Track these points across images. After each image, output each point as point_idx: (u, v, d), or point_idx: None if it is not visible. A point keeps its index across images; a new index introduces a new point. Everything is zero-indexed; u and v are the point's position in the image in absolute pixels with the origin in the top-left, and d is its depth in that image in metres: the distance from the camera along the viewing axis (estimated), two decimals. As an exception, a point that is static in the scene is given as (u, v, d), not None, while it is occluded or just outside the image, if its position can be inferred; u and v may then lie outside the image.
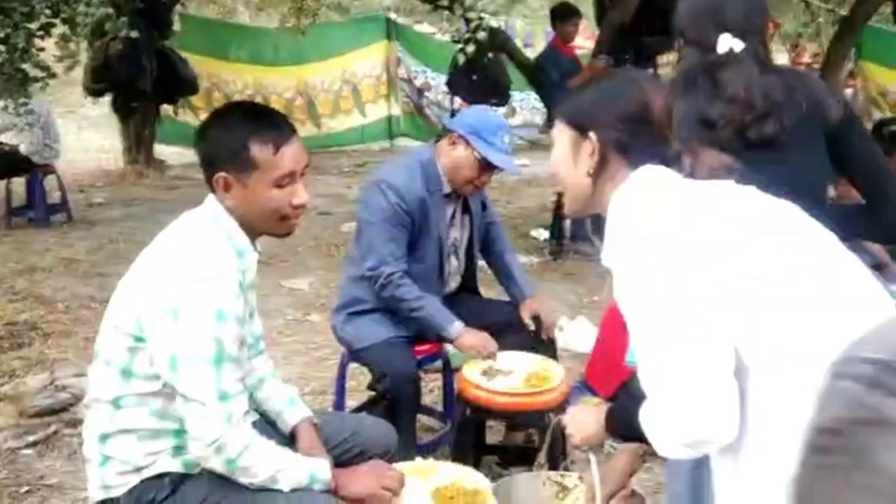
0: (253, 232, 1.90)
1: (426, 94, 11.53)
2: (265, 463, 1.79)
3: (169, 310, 1.72)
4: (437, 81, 11.35)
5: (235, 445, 1.75)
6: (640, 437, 1.57)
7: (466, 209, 2.98)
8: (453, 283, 3.02)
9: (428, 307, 2.77)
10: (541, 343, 2.98)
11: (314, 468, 1.87)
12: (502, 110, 10.79)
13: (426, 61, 11.61)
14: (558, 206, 6.21)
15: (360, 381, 3.61)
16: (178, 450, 1.84)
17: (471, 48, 5.17)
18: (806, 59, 18.41)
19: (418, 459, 2.19)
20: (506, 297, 3.15)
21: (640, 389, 1.50)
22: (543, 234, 6.51)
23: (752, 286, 1.35)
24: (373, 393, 3.02)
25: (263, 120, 1.86)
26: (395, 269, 2.75)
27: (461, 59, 5.55)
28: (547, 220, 6.54)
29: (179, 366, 1.73)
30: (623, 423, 1.65)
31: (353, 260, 2.91)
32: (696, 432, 1.36)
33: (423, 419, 3.23)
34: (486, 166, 2.78)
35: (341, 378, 3.09)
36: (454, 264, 3.00)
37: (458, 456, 2.73)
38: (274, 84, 10.56)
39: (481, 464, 2.90)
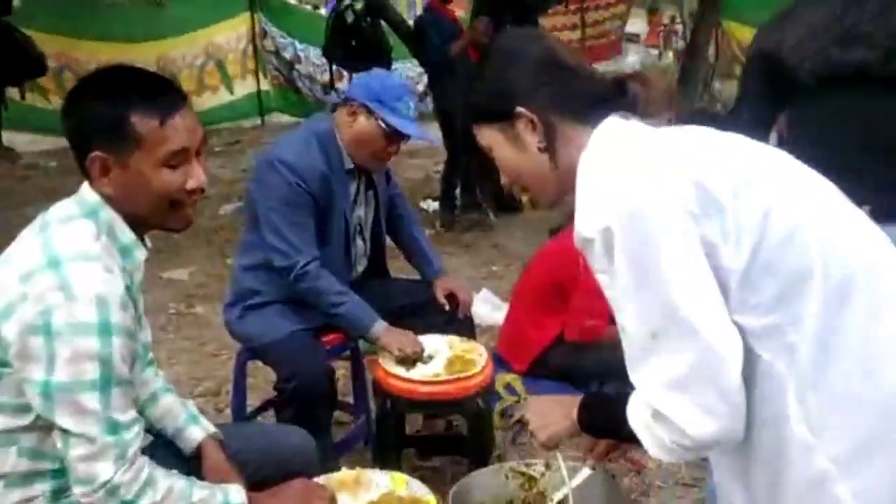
0: (140, 225, 1.58)
1: (296, 66, 11.04)
2: (169, 500, 1.50)
3: (38, 326, 1.39)
4: (307, 53, 10.89)
5: (132, 485, 1.45)
6: (620, 435, 1.38)
7: (370, 185, 2.71)
8: (360, 267, 2.76)
9: (350, 303, 2.49)
10: (457, 322, 2.76)
11: (228, 497, 1.59)
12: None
13: (294, 32, 11.09)
14: (447, 175, 6.01)
15: (257, 378, 3.31)
16: (58, 494, 1.51)
17: (360, 5, 4.85)
18: (665, 20, 18.94)
19: (343, 469, 1.94)
20: (416, 276, 2.91)
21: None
22: (433, 206, 6.30)
23: (747, 243, 1.16)
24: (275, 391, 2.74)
25: (146, 85, 1.53)
26: (309, 258, 2.46)
27: (350, 17, 5.21)
28: (434, 191, 6.33)
29: (55, 394, 1.41)
30: (602, 420, 1.45)
31: (247, 248, 2.59)
32: (700, 435, 1.16)
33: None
34: (393, 136, 2.51)
35: (240, 378, 2.78)
36: (360, 246, 2.73)
37: (380, 454, 2.50)
38: (131, 61, 9.47)
39: (401, 457, 2.68)
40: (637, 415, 1.26)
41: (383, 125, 2.48)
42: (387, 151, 2.55)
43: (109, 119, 1.48)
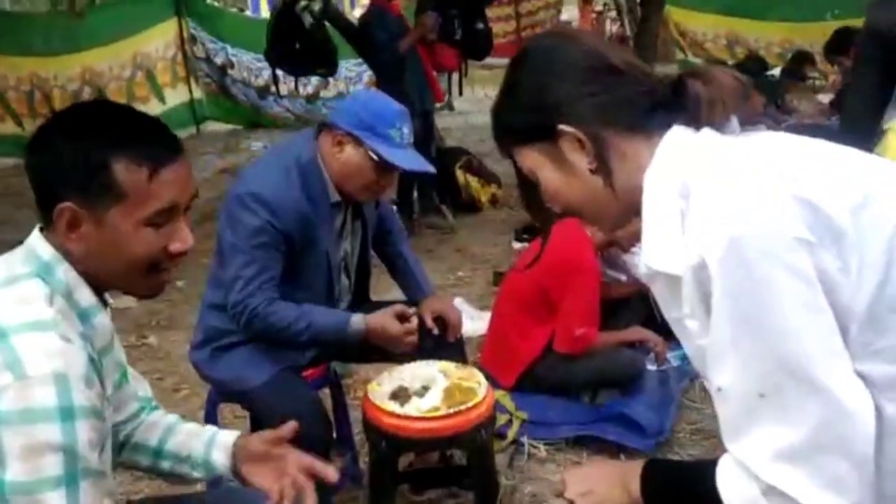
0: (102, 285, 1.34)
1: (229, 72, 10.65)
2: None
3: None
4: (240, 58, 10.53)
5: None
6: None
7: (358, 213, 2.43)
8: (343, 304, 2.49)
9: (315, 319, 2.22)
10: (448, 346, 2.54)
11: None
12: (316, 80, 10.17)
13: (224, 37, 10.70)
14: (401, 180, 5.78)
15: (226, 415, 3.05)
16: None
17: (317, 6, 4.56)
18: (598, 7, 18.95)
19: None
20: (401, 296, 2.67)
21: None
22: (389, 211, 6.08)
23: (871, 275, 0.96)
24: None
25: (135, 129, 1.29)
26: (260, 300, 2.17)
27: (308, 20, 4.90)
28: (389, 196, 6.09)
29: (11, 497, 1.15)
30: (676, 494, 1.20)
31: (216, 284, 2.31)
32: None
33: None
34: (385, 167, 2.22)
35: (211, 417, 2.51)
36: (344, 283, 2.46)
37: (377, 498, 2.27)
38: (54, 76, 9.30)
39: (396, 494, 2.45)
40: (735, 489, 1.05)
41: (374, 157, 2.20)
42: (379, 185, 2.27)
43: (87, 166, 1.24)
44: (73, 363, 1.20)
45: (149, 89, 10.27)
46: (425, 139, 5.47)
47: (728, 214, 0.97)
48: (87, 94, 9.41)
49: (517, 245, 5.17)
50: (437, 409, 2.19)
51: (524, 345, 3.17)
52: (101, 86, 9.66)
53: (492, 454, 2.30)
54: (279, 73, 6.23)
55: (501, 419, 3.00)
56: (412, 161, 2.28)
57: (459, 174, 6.06)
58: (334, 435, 2.47)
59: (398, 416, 2.17)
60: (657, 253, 1.07)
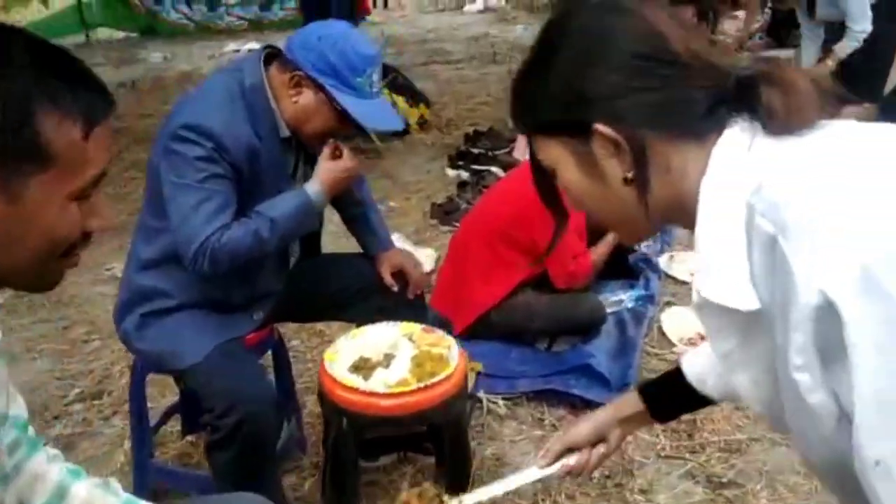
0: None
1: (121, -28, 9.78)
2: None
3: None
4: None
5: None
6: None
7: (310, 154, 2.09)
8: (294, 257, 2.19)
9: (276, 215, 1.91)
10: (408, 305, 2.28)
11: None
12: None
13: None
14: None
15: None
16: None
17: None
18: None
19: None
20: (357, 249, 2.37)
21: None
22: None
23: None
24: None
25: (62, 70, 0.94)
26: (210, 230, 1.83)
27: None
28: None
29: None
30: None
31: (149, 236, 1.96)
32: None
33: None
34: (349, 119, 1.92)
35: (138, 399, 2.19)
36: None
37: (338, 478, 2.03)
38: None
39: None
40: None
41: (337, 107, 1.90)
42: (338, 133, 1.99)
43: (9, 121, 0.88)
44: None
45: (30, -10, 9.31)
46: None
47: (853, 238, 0.74)
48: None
49: (451, 172, 4.89)
50: (406, 382, 1.95)
51: (485, 289, 2.95)
52: (-27, -14, 8.69)
53: (465, 427, 2.08)
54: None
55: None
56: (381, 117, 2.03)
57: (385, 93, 5.68)
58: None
59: (362, 393, 1.91)
60: (716, 283, 0.88)
